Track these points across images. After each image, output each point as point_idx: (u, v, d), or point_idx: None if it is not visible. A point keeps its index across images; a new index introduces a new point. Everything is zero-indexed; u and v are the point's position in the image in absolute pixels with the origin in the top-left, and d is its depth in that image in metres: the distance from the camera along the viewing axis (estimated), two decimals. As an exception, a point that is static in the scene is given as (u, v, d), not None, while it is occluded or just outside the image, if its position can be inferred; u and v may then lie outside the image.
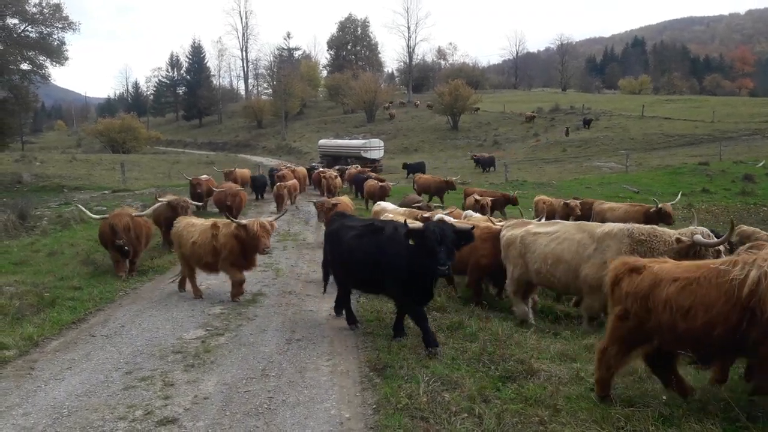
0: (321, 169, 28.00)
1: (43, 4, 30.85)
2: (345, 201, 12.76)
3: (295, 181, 21.21)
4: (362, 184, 22.35)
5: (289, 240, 13.70)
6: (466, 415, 4.54)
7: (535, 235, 7.60)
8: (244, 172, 23.42)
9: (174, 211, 11.17)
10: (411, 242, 6.02)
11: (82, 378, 5.50)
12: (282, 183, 19.54)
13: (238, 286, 8.40)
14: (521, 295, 7.91)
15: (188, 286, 8.88)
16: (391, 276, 6.41)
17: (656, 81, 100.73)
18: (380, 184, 20.33)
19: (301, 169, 26.44)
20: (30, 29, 31.31)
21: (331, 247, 7.36)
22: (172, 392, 5.16)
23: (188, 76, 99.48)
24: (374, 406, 4.86)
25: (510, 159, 40.49)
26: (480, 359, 5.74)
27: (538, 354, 5.84)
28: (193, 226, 8.83)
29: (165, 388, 5.26)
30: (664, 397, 4.58)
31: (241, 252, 8.20)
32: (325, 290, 8.34)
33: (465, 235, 6.18)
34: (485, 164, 37.26)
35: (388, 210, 11.32)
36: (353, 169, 28.85)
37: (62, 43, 32.28)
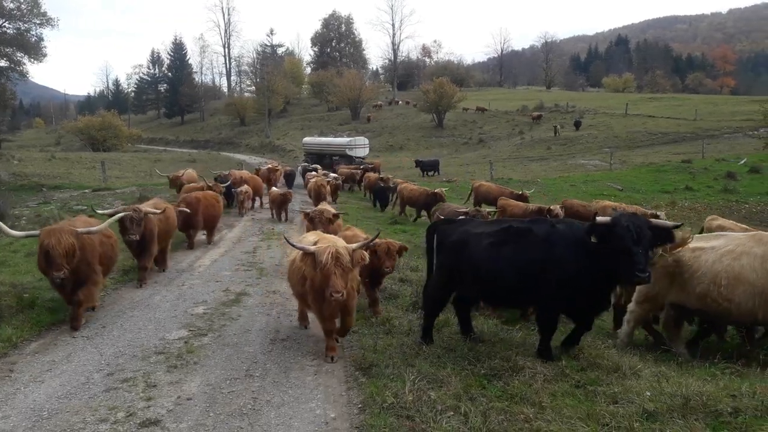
0: (313, 171, 25.03)
1: (21, 0, 30.36)
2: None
3: (248, 187, 18.31)
4: (384, 193, 20.36)
5: (273, 239, 13.59)
6: (451, 413, 4.53)
7: (695, 250, 6.13)
8: (192, 174, 19.94)
9: (122, 225, 8.69)
10: (593, 239, 4.96)
11: (63, 380, 5.40)
12: (281, 190, 17.75)
13: (326, 336, 6.14)
14: (678, 329, 6.62)
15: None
16: (552, 286, 5.30)
17: (639, 79, 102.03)
18: (434, 191, 17.08)
19: (255, 178, 21.25)
20: (7, 25, 30.88)
21: (458, 259, 5.98)
22: (155, 393, 5.09)
23: (170, 73, 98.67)
24: (360, 406, 4.83)
25: (495, 157, 40.65)
26: (466, 357, 5.74)
27: (523, 351, 5.85)
28: (300, 242, 6.65)
29: (147, 389, 5.18)
30: (648, 393, 4.61)
31: (321, 287, 5.67)
32: (470, 334, 6.35)
33: (663, 234, 5.06)
34: (426, 168, 35.39)
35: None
36: (373, 174, 25.10)
37: (40, 39, 32.02)
